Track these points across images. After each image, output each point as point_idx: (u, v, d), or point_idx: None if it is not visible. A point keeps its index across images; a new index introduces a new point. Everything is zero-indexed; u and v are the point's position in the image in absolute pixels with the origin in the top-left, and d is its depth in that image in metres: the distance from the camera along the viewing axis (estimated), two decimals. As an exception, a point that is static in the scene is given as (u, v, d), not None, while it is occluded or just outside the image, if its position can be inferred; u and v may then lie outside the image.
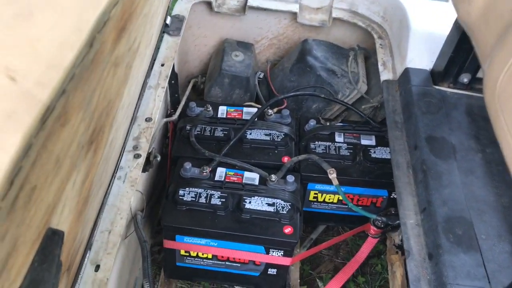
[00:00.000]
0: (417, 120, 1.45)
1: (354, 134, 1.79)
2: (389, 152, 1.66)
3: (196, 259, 1.61)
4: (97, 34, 0.57)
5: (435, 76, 1.59)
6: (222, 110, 1.83)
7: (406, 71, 1.62)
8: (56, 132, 0.52)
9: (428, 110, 1.48)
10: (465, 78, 1.55)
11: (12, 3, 0.47)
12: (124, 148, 1.37)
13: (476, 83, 1.56)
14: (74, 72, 0.53)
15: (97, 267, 1.15)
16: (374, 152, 1.73)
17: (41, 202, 0.53)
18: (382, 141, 1.76)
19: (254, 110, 1.81)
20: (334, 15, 2.01)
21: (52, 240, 0.55)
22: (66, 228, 0.63)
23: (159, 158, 1.53)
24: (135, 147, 1.43)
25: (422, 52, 1.66)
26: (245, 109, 1.83)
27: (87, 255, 1.15)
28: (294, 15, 2.05)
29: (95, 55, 0.58)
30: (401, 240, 1.72)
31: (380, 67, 1.76)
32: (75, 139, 0.60)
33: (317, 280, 2.01)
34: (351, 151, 1.74)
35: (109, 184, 1.22)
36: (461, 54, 1.50)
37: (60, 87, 0.50)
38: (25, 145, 0.45)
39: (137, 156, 1.41)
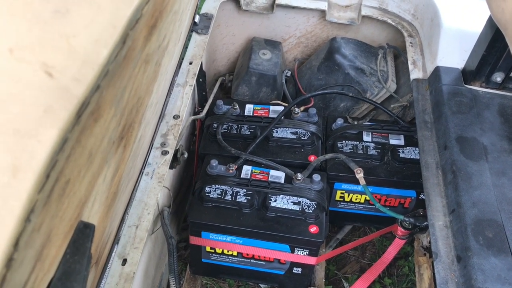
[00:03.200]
0: (447, 120, 1.42)
1: (383, 134, 1.76)
2: (418, 152, 1.63)
3: (221, 256, 1.62)
4: (130, 31, 0.58)
5: (467, 75, 1.55)
6: (249, 108, 1.83)
7: (437, 70, 1.59)
8: (89, 127, 0.54)
9: (459, 109, 1.45)
10: (498, 77, 1.51)
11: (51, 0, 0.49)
12: (152, 144, 1.39)
13: (509, 83, 1.52)
14: (108, 69, 0.54)
15: (124, 261, 1.17)
16: (403, 152, 1.70)
17: (73, 195, 0.54)
18: (411, 141, 1.73)
19: (281, 108, 1.81)
20: (363, 13, 1.98)
21: (83, 233, 0.56)
22: (96, 222, 0.65)
23: (186, 155, 1.54)
24: (163, 144, 1.45)
25: (453, 51, 1.63)
26: (271, 108, 1.83)
27: (115, 249, 1.17)
28: (322, 13, 2.04)
29: (127, 52, 0.59)
30: (429, 242, 1.69)
31: (410, 66, 1.73)
32: (107, 134, 0.61)
33: (343, 280, 1.99)
34: (379, 150, 1.71)
35: (137, 180, 1.24)
36: (494, 53, 1.46)
37: (95, 83, 0.52)
38: (61, 140, 0.47)
39: (165, 152, 1.43)
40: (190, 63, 1.72)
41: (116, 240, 1.15)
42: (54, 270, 0.53)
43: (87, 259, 0.55)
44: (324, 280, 1.76)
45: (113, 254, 1.15)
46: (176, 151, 1.49)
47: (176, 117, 1.54)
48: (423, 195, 1.66)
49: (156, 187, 1.33)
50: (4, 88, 0.43)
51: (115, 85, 0.58)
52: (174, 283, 1.32)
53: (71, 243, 0.54)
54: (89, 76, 0.51)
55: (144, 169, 1.34)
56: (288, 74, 2.10)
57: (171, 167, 1.46)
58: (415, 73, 1.69)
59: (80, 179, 0.55)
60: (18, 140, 0.43)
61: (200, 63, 1.74)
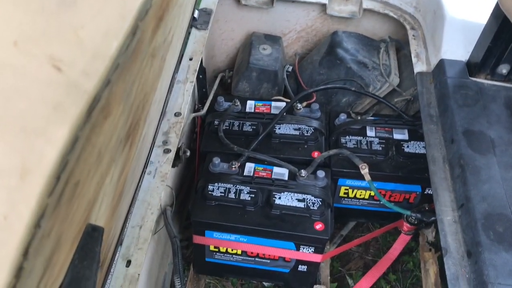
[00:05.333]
0: (453, 113, 1.40)
1: (386, 128, 1.74)
2: (423, 147, 1.61)
3: (225, 254, 1.60)
4: (140, 22, 0.55)
5: (472, 67, 1.53)
6: (250, 105, 1.81)
7: (441, 63, 1.57)
8: (99, 125, 0.51)
9: (465, 103, 1.43)
10: (503, 69, 1.48)
11: None
12: (154, 143, 1.37)
13: (515, 75, 1.50)
14: (119, 62, 0.51)
15: (128, 263, 1.15)
16: (407, 147, 1.68)
17: (83, 197, 0.51)
18: (415, 135, 1.71)
19: (283, 104, 1.78)
20: (364, 6, 1.96)
21: (92, 236, 0.54)
22: (103, 224, 0.62)
23: (188, 153, 1.52)
24: (165, 142, 1.42)
25: (457, 43, 1.60)
26: (273, 104, 1.81)
27: (118, 250, 1.15)
28: (323, 6, 2.01)
29: (136, 44, 0.56)
30: (435, 237, 1.67)
31: (414, 59, 1.70)
32: (115, 132, 0.58)
33: (347, 277, 1.97)
34: (383, 145, 1.69)
35: (140, 179, 1.21)
36: (499, 44, 1.43)
37: (106, 77, 0.49)
38: (72, 138, 0.44)
39: (167, 151, 1.40)
40: (190, 59, 1.68)
41: (119, 241, 1.13)
42: (63, 276, 0.51)
43: (96, 264, 0.53)
44: (329, 277, 1.74)
45: (117, 255, 1.12)
46: (178, 149, 1.47)
47: (177, 114, 1.51)
48: (429, 190, 1.64)
49: (159, 186, 1.31)
50: (9, 83, 0.40)
51: (125, 79, 0.55)
52: (179, 284, 1.30)
53: (80, 248, 0.51)
54: (100, 69, 0.48)
55: (146, 168, 1.31)
56: (289, 69, 2.07)
57: (173, 165, 1.43)
58: (419, 66, 1.67)
59: (89, 180, 0.52)
60: (26, 139, 0.39)
61: (200, 59, 1.71)
